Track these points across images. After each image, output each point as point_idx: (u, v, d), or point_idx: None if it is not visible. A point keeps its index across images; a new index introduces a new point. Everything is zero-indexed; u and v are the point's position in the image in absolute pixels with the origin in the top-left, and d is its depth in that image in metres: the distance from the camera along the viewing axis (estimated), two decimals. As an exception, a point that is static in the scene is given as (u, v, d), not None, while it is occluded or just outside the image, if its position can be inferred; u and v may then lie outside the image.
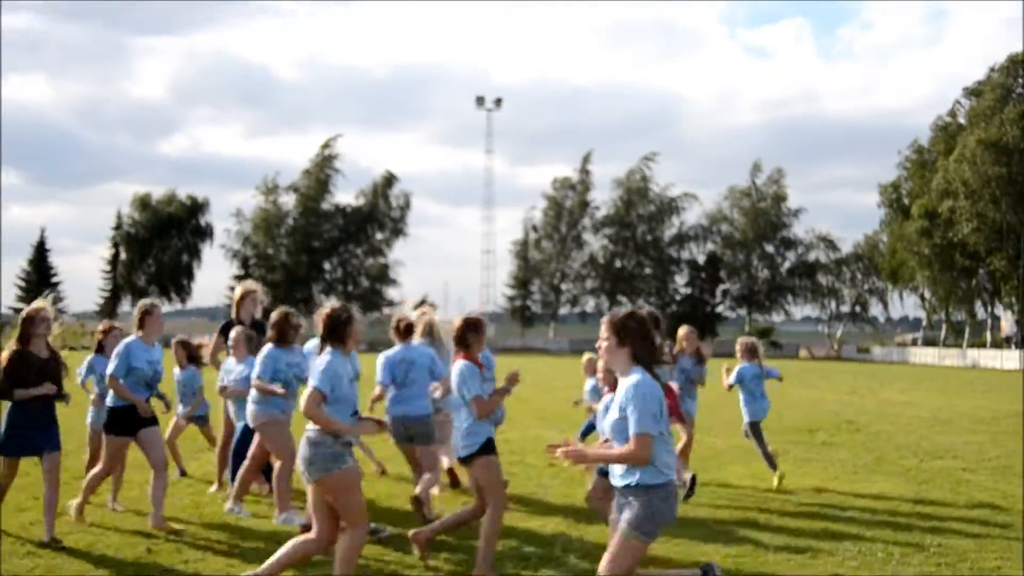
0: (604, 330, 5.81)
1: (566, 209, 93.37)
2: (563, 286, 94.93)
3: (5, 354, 8.95)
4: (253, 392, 9.94)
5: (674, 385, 11.47)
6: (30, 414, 8.92)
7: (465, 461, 7.91)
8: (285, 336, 9.92)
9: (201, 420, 13.04)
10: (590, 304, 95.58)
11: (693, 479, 11.41)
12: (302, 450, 6.80)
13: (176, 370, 12.82)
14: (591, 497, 8.85)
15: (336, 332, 6.98)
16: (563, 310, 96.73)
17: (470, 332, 8.04)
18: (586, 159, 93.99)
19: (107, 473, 9.92)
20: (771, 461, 12.51)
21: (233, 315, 11.43)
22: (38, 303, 9.35)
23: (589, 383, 12.75)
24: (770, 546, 9.07)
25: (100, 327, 10.62)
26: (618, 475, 5.71)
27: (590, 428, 12.97)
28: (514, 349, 79.47)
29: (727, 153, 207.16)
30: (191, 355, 12.78)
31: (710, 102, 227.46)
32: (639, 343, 5.69)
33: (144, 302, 10.01)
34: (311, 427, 6.74)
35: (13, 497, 10.85)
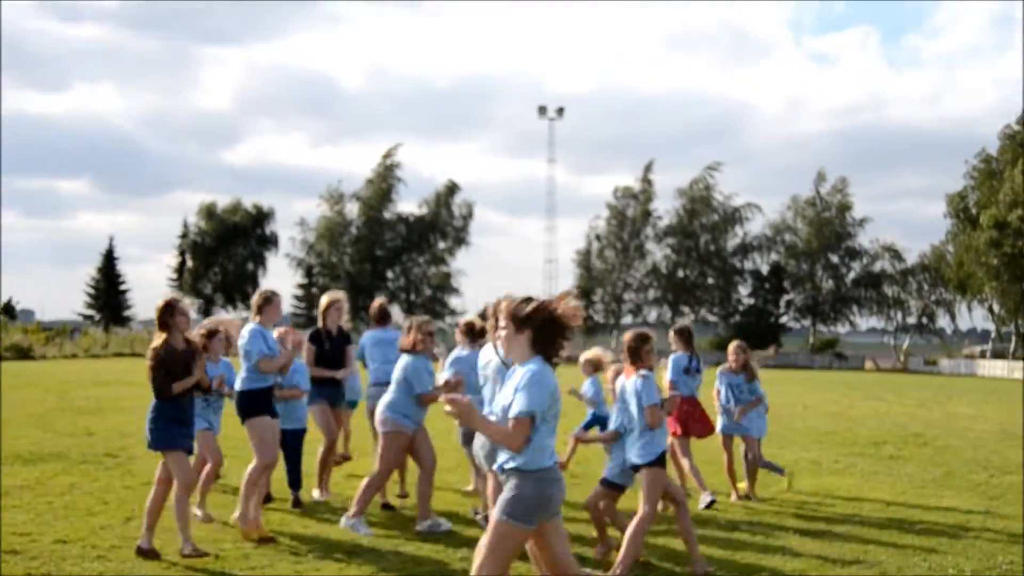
0: (502, 318, 5.79)
1: (628, 218, 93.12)
2: (625, 296, 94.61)
3: (153, 349, 8.74)
4: (391, 397, 10.03)
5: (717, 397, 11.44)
6: (178, 408, 8.75)
7: (635, 468, 8.30)
8: (420, 345, 10.05)
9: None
10: (652, 314, 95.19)
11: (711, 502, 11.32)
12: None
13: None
14: (589, 504, 8.93)
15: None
16: (625, 320, 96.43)
17: (643, 345, 8.38)
18: (648, 168, 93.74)
19: (271, 466, 9.85)
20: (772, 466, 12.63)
21: (320, 324, 11.52)
22: (171, 294, 9.24)
23: (586, 383, 12.62)
24: (838, 560, 8.98)
25: (200, 330, 10.52)
26: (501, 458, 5.63)
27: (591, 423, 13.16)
28: (575, 360, 79.09)
29: (791, 161, 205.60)
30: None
31: (775, 110, 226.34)
32: (538, 332, 5.61)
33: (265, 289, 10.12)
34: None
35: (82, 500, 11.04)
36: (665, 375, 11.80)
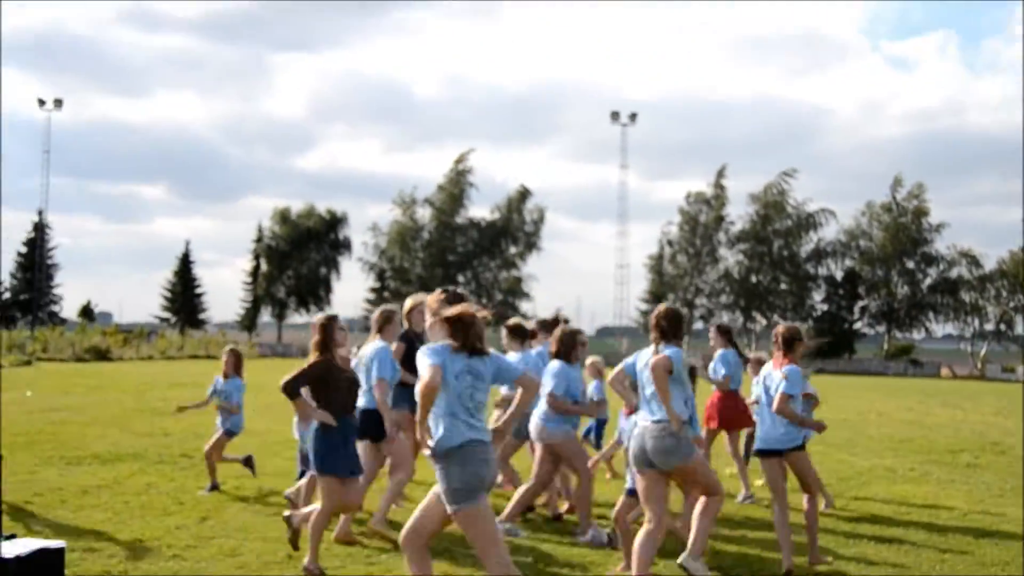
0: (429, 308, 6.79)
1: (700, 224, 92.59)
2: (697, 301, 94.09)
3: (311, 360, 8.56)
4: (543, 409, 9.95)
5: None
6: (341, 429, 8.52)
7: (782, 453, 8.71)
8: (572, 352, 10.04)
9: (230, 434, 12.52)
10: (724, 319, 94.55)
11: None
12: (656, 442, 7.50)
13: (219, 379, 12.82)
14: (618, 517, 8.71)
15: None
16: (697, 325, 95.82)
17: (796, 338, 8.84)
18: (720, 173, 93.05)
19: (409, 478, 10.12)
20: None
21: (405, 326, 11.29)
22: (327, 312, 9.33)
23: (592, 385, 12.59)
24: (913, 569, 8.86)
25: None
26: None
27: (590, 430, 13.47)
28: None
29: (867, 167, 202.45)
30: (238, 365, 12.82)
31: (851, 115, 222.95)
32: (455, 323, 6.30)
33: (385, 308, 10.33)
34: (656, 420, 7.54)
35: (158, 500, 11.21)
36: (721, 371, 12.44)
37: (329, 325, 8.68)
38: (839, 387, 43.48)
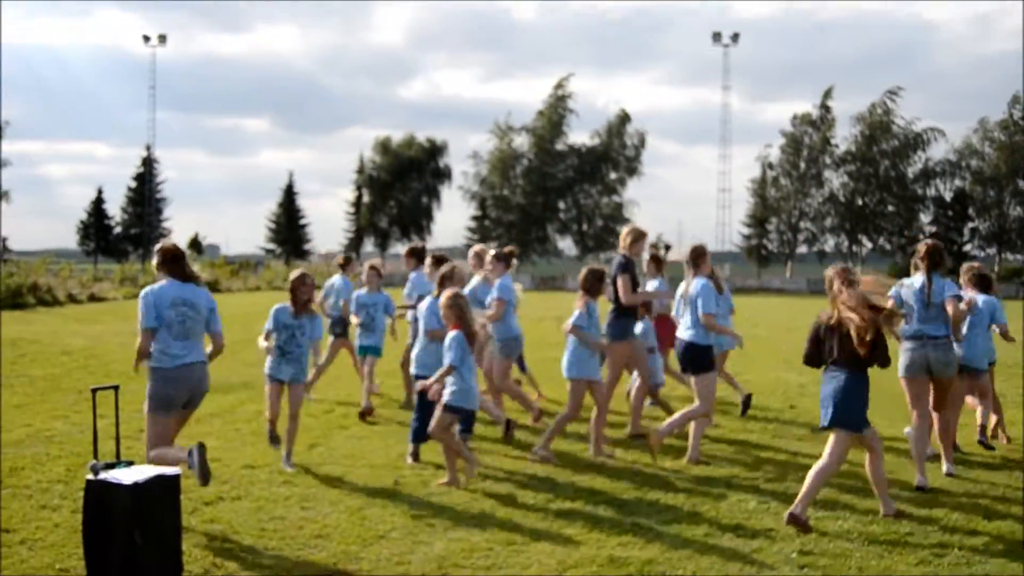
0: None
1: (805, 146, 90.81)
2: (801, 224, 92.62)
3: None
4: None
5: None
6: None
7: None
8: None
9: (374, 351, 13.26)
10: (829, 243, 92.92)
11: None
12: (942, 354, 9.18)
13: (363, 291, 13.39)
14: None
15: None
16: (801, 249, 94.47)
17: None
18: (827, 94, 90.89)
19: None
20: None
21: (627, 253, 11.11)
22: None
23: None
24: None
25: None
26: None
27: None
28: (750, 289, 78.12)
29: (979, 84, 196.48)
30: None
31: (961, 30, 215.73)
32: None
33: (697, 245, 10.38)
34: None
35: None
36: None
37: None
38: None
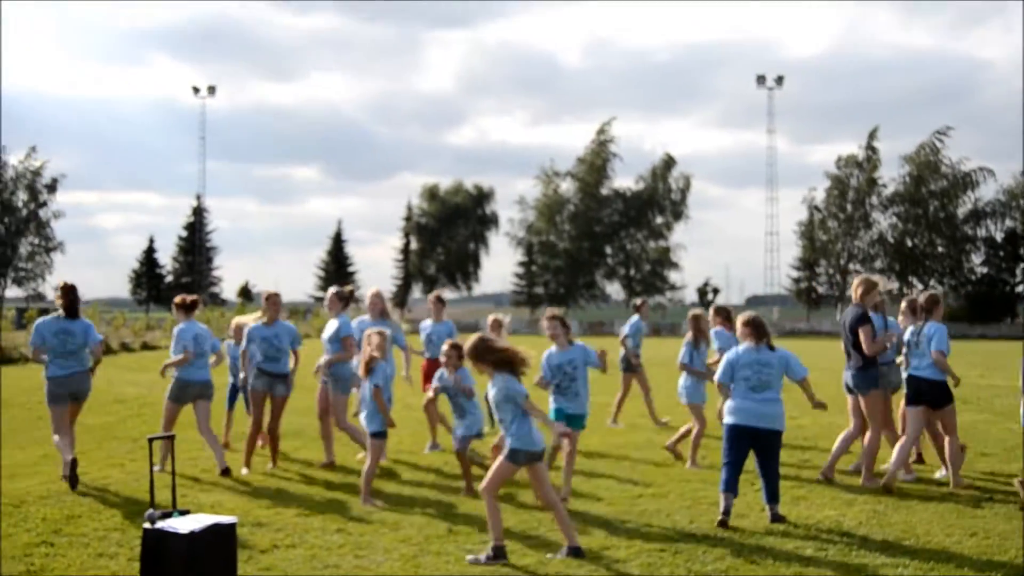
0: None
1: (851, 188, 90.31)
2: (851, 266, 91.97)
3: None
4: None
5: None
6: None
7: None
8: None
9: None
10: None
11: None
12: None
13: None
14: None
15: None
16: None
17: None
18: (872, 135, 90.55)
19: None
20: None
21: (860, 303, 11.75)
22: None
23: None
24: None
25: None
26: None
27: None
28: (800, 332, 77.64)
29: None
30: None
31: (1009, 68, 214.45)
32: None
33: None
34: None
35: (320, 475, 11.44)
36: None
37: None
38: (1000, 353, 42.04)
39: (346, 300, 12.69)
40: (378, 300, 13.13)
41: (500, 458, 8.20)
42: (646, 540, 8.57)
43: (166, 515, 6.60)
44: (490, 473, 8.22)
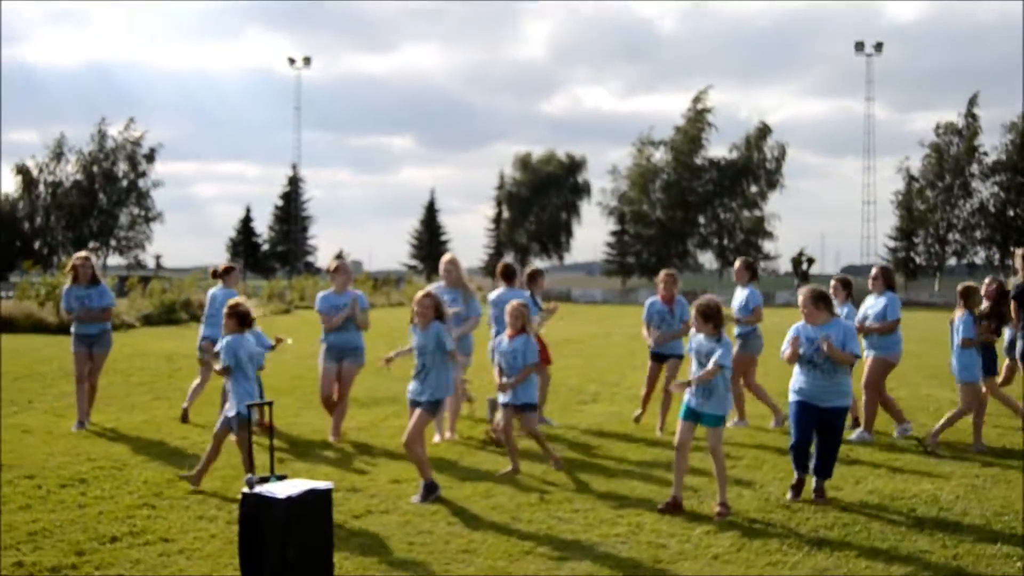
0: None
1: (951, 156, 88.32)
2: (950, 236, 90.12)
3: None
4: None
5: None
6: None
7: None
8: None
9: None
10: (979, 255, 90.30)
11: None
12: None
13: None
14: None
15: None
16: (950, 262, 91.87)
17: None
18: (972, 101, 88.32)
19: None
20: None
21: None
22: None
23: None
24: None
25: None
26: None
27: None
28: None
29: None
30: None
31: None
32: None
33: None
34: None
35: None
36: None
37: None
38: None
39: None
40: (452, 267, 12.28)
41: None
42: (737, 508, 8.55)
43: (264, 480, 6.72)
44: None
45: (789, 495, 8.94)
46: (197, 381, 13.38)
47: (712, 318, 8.61)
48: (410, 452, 9.17)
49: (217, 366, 9.29)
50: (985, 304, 12.20)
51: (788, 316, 9.68)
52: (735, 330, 12.66)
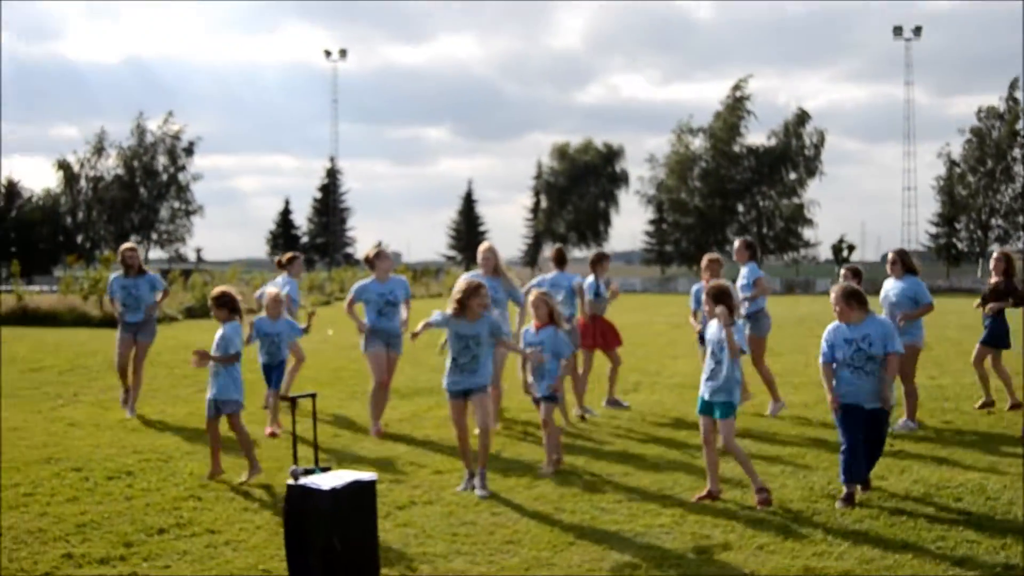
0: None
1: (992, 140, 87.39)
2: (992, 222, 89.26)
3: None
4: None
5: None
6: None
7: None
8: None
9: None
10: (1022, 240, 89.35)
11: None
12: None
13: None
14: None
15: None
16: (992, 248, 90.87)
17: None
18: (1013, 85, 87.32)
19: None
20: None
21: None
22: None
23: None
24: None
25: None
26: None
27: None
28: (940, 289, 75.65)
29: None
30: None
31: None
32: None
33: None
34: None
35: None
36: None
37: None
38: None
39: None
40: (491, 256, 12.17)
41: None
42: (780, 498, 8.52)
43: (309, 471, 6.76)
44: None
45: (839, 504, 8.53)
46: (291, 364, 13.16)
47: (722, 300, 8.53)
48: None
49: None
50: (994, 278, 12.88)
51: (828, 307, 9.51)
52: (742, 310, 12.54)
